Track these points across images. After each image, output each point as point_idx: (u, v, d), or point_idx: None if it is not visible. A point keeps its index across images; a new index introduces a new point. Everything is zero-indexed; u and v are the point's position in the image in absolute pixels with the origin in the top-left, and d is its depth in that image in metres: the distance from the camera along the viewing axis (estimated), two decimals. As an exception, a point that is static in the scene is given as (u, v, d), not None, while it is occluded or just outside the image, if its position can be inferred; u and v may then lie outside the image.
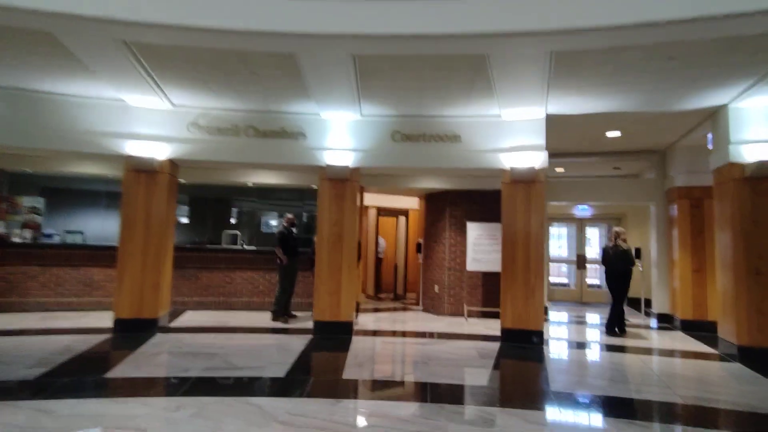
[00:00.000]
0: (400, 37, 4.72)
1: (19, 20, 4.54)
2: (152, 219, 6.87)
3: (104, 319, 7.22)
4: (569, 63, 5.20)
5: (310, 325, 7.20)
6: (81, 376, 4.88)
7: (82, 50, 5.28)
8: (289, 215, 8.30)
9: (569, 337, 7.81)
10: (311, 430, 3.64)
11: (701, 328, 7.73)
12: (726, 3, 4.05)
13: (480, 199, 9.11)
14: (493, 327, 7.84)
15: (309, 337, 6.89)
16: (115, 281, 6.98)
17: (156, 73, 5.89)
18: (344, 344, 6.53)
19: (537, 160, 6.75)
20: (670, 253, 8.55)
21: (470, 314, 8.89)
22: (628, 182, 9.77)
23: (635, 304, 10.77)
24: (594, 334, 7.99)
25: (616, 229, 7.84)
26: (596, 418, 4.22)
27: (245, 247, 9.41)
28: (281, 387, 4.81)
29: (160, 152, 6.87)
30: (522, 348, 6.57)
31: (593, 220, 11.76)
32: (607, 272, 7.83)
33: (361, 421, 3.99)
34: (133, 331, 6.68)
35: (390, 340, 7.10)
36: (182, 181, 9.92)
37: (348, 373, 5.21)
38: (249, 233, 11.27)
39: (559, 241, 12.51)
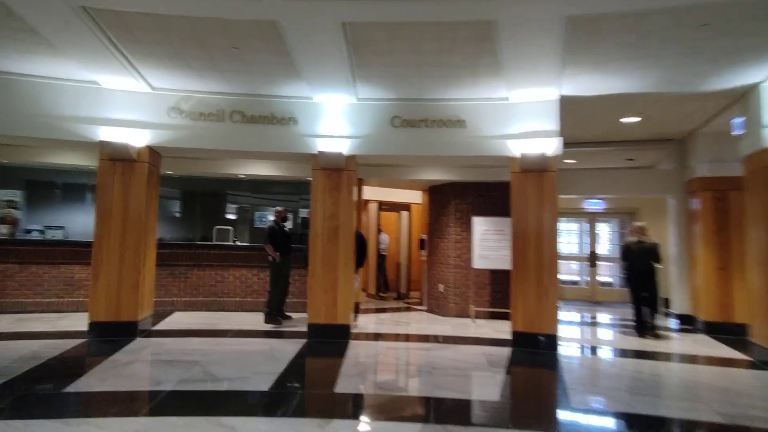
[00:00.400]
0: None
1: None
2: (130, 212, 6.22)
3: (83, 322, 6.52)
4: (586, 31, 4.50)
5: (305, 327, 6.53)
6: (38, 390, 4.23)
7: (40, 21, 4.61)
8: (280, 208, 7.63)
9: (584, 341, 7.11)
10: (291, 463, 2.98)
11: (727, 331, 7.02)
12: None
13: (487, 191, 8.42)
14: (502, 329, 7.16)
15: (303, 341, 6.23)
16: (94, 281, 6.35)
17: (126, 48, 5.21)
18: (340, 350, 5.87)
19: (549, 146, 6.05)
20: (691, 249, 7.83)
21: (477, 315, 8.21)
22: (644, 174, 9.04)
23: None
24: (610, 336, 7.31)
25: (639, 223, 7.14)
26: (630, 443, 3.54)
27: (238, 243, 8.75)
28: (263, 403, 4.16)
29: (137, 139, 6.21)
30: (534, 354, 5.89)
31: (605, 215, 11.05)
32: (628, 270, 7.11)
33: (353, 449, 3.33)
34: (109, 336, 6.03)
35: (391, 344, 6.43)
36: (170, 172, 9.32)
37: (342, 386, 4.55)
38: (242, 229, 10.61)
39: (568, 237, 11.80)
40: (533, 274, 6.14)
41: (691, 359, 5.94)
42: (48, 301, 7.93)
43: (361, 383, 4.73)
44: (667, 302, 8.59)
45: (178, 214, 10.82)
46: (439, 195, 8.92)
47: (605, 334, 7.57)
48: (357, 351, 5.84)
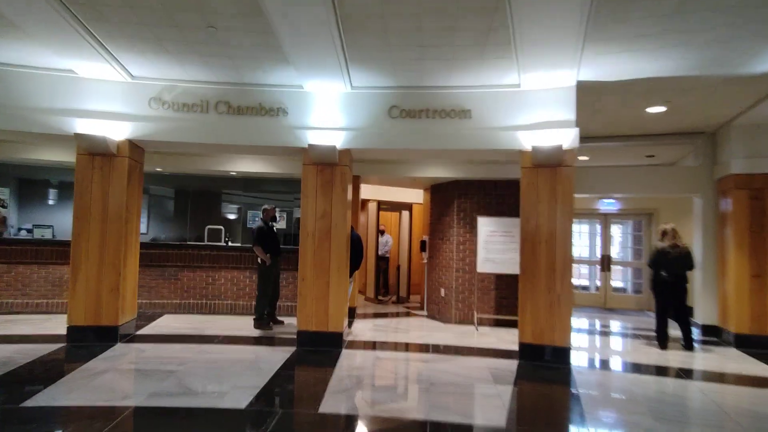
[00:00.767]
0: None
1: None
2: (110, 210, 5.71)
3: (59, 326, 6.11)
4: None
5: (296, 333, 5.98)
6: (-14, 406, 3.73)
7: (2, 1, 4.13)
8: (267, 206, 7.06)
9: (599, 353, 6.46)
10: None
11: (760, 344, 6.32)
12: None
13: (493, 190, 7.80)
14: (508, 339, 6.55)
15: (292, 349, 5.68)
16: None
17: (95, 29, 4.68)
18: (331, 360, 5.30)
19: (565, 138, 5.42)
20: (720, 254, 7.10)
21: (481, 322, 7.59)
22: (667, 171, 8.29)
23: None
24: (628, 348, 6.63)
25: (668, 225, 6.46)
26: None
27: (230, 243, 8.23)
28: (236, 425, 3.60)
29: (117, 132, 5.71)
30: (544, 368, 5.26)
31: (620, 216, 10.33)
32: (659, 277, 6.38)
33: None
34: (88, 341, 5.55)
35: (386, 355, 5.84)
36: (159, 169, 8.85)
37: (327, 404, 3.97)
38: (235, 228, 10.10)
39: (578, 239, 11.11)
40: (544, 280, 5.51)
41: (721, 377, 5.26)
42: (36, 302, 7.50)
43: (348, 402, 4.15)
44: (690, 311, 7.87)
45: (171, 214, 10.34)
46: (442, 194, 8.32)
47: (622, 345, 6.90)
48: (349, 362, 5.26)
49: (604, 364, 5.77)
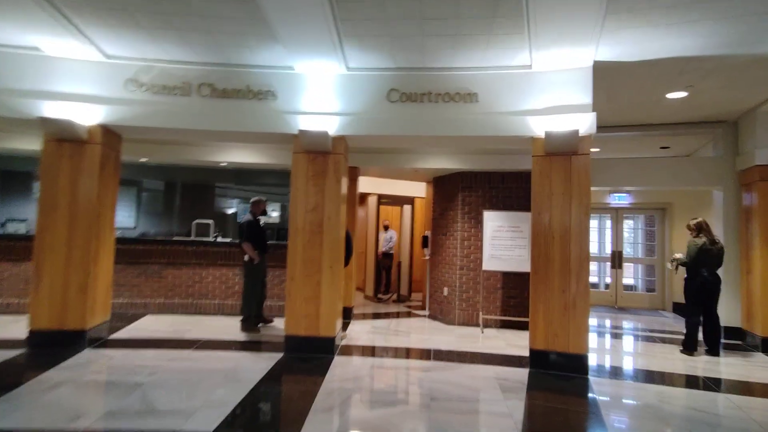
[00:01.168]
0: None
1: None
2: (79, 203, 5.13)
3: (26, 329, 5.53)
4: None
5: (283, 338, 5.40)
6: None
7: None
8: (255, 199, 6.47)
9: (619, 360, 5.85)
10: None
11: (790, 349, 5.72)
12: None
13: (500, 182, 7.19)
14: (516, 342, 5.97)
15: (278, 356, 5.10)
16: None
17: (60, 0, 4.11)
18: (321, 369, 4.71)
19: (581, 123, 4.81)
20: (744, 251, 6.47)
21: (487, 324, 7.00)
22: (684, 163, 7.64)
23: (680, 310, 8.74)
24: (649, 353, 6.02)
25: (699, 219, 5.84)
26: None
27: (218, 239, 7.65)
28: (198, 455, 3.02)
29: (88, 116, 5.12)
30: (558, 378, 4.67)
31: (631, 211, 9.70)
32: (701, 277, 5.68)
33: None
34: (52, 347, 4.96)
35: (383, 362, 5.25)
36: (144, 160, 8.27)
37: (310, 426, 3.38)
38: (224, 223, 9.50)
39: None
40: (558, 280, 4.91)
41: (759, 390, 4.65)
42: (7, 302, 6.91)
43: (336, 421, 3.56)
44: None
45: (162, 208, 9.76)
46: (445, 186, 7.71)
47: (641, 349, 6.27)
48: (340, 372, 4.67)
49: (625, 373, 5.16)
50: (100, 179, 5.21)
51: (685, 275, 5.84)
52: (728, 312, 6.62)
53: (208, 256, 7.32)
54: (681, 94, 5.74)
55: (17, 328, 5.85)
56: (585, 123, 4.81)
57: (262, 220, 6.41)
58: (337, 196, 5.30)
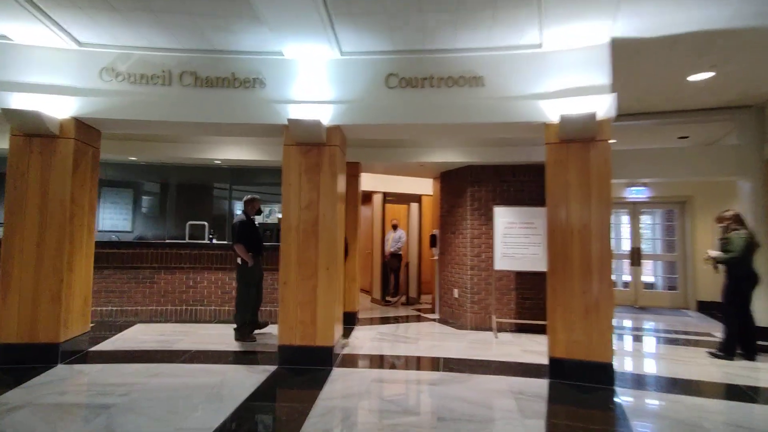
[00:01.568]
0: None
1: None
2: (50, 203, 4.65)
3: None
4: None
5: (277, 348, 4.88)
6: None
7: None
8: (248, 197, 5.96)
9: (647, 367, 5.25)
10: None
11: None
12: None
13: (511, 176, 6.63)
14: (533, 348, 5.41)
15: (271, 369, 4.58)
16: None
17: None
18: (317, 383, 4.19)
19: (599, 105, 4.24)
20: (777, 244, 5.85)
21: (500, 327, 6.43)
22: (707, 151, 7.00)
23: (705, 309, 8.12)
24: (680, 358, 5.40)
25: (733, 211, 5.25)
26: None
27: (215, 241, 7.16)
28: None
29: (60, 108, 4.65)
30: (582, 390, 4.10)
31: (649, 205, 9.06)
32: (750, 272, 5.11)
33: None
34: (21, 362, 4.48)
35: (387, 375, 4.70)
36: (134, 158, 7.82)
37: (298, 455, 2.86)
38: (221, 224, 9.01)
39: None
40: (578, 281, 4.34)
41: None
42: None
43: (330, 450, 3.03)
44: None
45: (159, 211, 9.31)
46: (453, 182, 7.16)
47: (670, 354, 5.64)
48: (338, 387, 4.14)
49: (654, 382, 4.56)
50: (74, 178, 4.74)
51: (728, 272, 5.19)
52: (759, 312, 5.97)
53: (203, 260, 6.84)
54: (704, 76, 5.14)
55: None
56: (603, 105, 4.24)
57: (258, 220, 5.88)
58: (333, 191, 4.77)
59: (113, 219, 8.98)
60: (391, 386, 4.28)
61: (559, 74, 4.45)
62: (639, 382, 4.54)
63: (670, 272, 9.00)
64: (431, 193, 8.74)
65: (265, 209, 8.74)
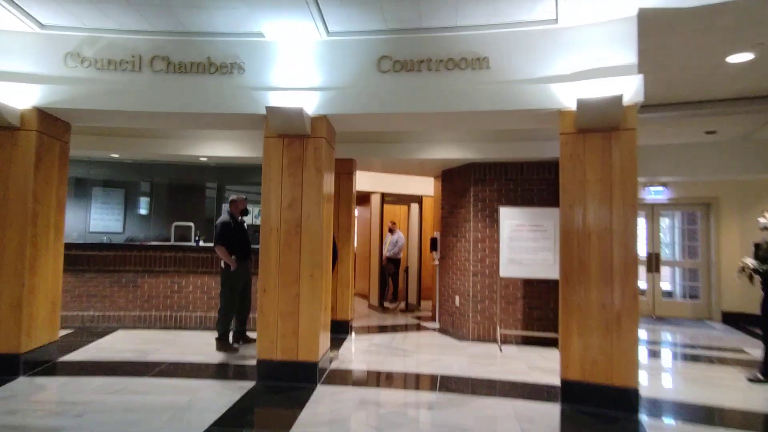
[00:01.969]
0: None
1: None
2: (10, 201, 4.17)
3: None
4: None
5: (257, 362, 4.32)
6: None
7: None
8: (234, 197, 5.44)
9: (669, 388, 4.59)
10: None
11: None
12: None
13: (518, 173, 6.01)
14: (541, 365, 4.79)
15: (249, 386, 4.04)
16: None
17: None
18: (298, 403, 3.64)
19: (625, 88, 3.62)
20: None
21: (505, 339, 5.81)
22: (741, 146, 6.28)
23: (731, 320, 7.40)
24: (710, 378, 4.71)
25: None
26: None
27: (201, 244, 6.66)
28: None
29: (20, 98, 4.17)
30: (601, 420, 3.47)
31: (669, 207, 8.34)
32: None
33: None
34: (-22, 374, 4.02)
35: (376, 395, 4.10)
36: (116, 155, 7.35)
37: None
38: (209, 225, 8.48)
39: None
40: (596, 291, 3.71)
41: None
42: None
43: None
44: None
45: (151, 211, 8.85)
46: (455, 180, 6.56)
47: (697, 374, 4.93)
48: (320, 410, 3.57)
49: (688, 412, 3.86)
50: (37, 173, 4.25)
51: (766, 284, 4.48)
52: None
53: (188, 263, 6.33)
54: (746, 57, 4.46)
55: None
56: (630, 87, 3.62)
57: (248, 221, 5.35)
58: (318, 189, 4.21)
59: (104, 220, 8.54)
60: (380, 410, 3.69)
61: (578, 53, 3.84)
62: (667, 410, 3.88)
63: (691, 280, 8.26)
64: (432, 194, 8.15)
65: (256, 210, 8.21)
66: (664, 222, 8.69)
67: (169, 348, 5.22)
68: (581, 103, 3.60)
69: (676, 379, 4.83)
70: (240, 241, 5.22)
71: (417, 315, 7.76)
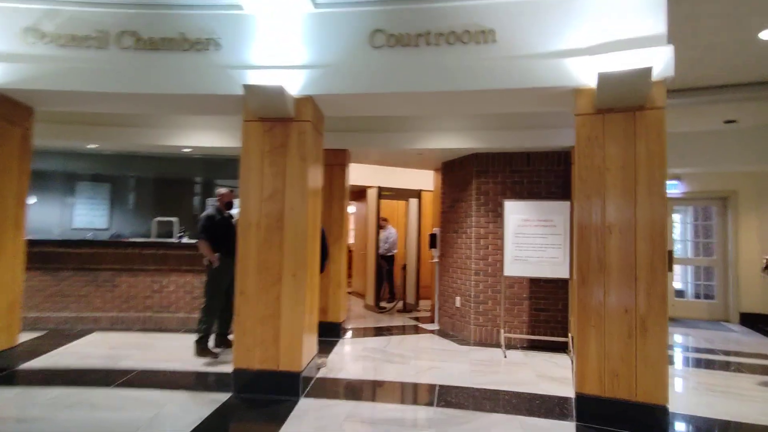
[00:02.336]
0: None
1: None
2: (-38, 192, 3.72)
3: None
4: None
5: (235, 371, 3.85)
6: None
7: None
8: (222, 190, 4.98)
9: (694, 400, 4.10)
10: None
11: None
12: None
13: (524, 164, 5.52)
14: (551, 372, 4.32)
15: (223, 398, 3.57)
16: None
17: None
18: (275, 421, 3.17)
19: (654, 61, 3.12)
20: None
21: (510, 344, 5.33)
22: (763, 135, 5.80)
23: (750, 322, 6.91)
24: (730, 387, 4.22)
25: None
26: None
27: (184, 240, 6.18)
28: None
29: (-30, 77, 3.71)
30: (625, 442, 2.99)
31: (683, 201, 7.83)
32: None
33: None
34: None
35: (365, 410, 3.60)
36: (95, 146, 6.89)
37: None
38: (188, 221, 8.02)
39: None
40: (617, 293, 3.23)
41: None
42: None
43: None
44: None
45: (137, 206, 8.39)
46: (456, 172, 6.08)
47: (723, 383, 4.42)
48: (301, 428, 3.09)
49: (716, 428, 3.40)
50: (-10, 161, 3.79)
51: None
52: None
53: (169, 261, 5.86)
54: (779, 34, 3.97)
55: None
56: (660, 60, 3.13)
57: (234, 215, 4.87)
58: (302, 178, 3.73)
59: (89, 215, 8.09)
60: (370, 430, 3.21)
61: (596, 23, 3.35)
62: (695, 427, 3.39)
63: (706, 278, 7.76)
64: (432, 189, 7.66)
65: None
66: (676, 218, 8.18)
67: (144, 353, 4.75)
68: (603, 78, 3.10)
69: (701, 389, 4.32)
70: (225, 237, 4.74)
71: (415, 316, 7.28)
